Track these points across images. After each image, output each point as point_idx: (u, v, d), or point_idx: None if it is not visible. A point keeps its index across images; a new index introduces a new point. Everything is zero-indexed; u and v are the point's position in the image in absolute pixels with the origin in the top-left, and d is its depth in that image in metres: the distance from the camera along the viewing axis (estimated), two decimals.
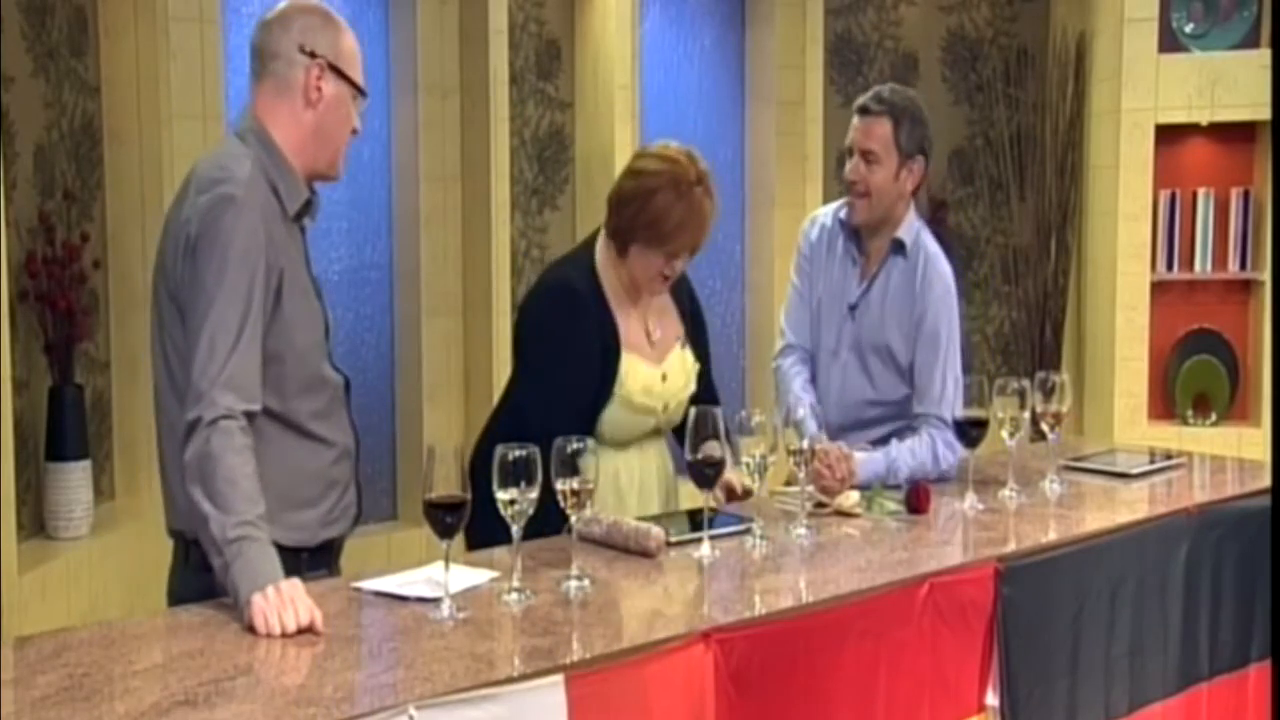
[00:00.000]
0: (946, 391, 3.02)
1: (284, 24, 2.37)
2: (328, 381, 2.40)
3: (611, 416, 2.77)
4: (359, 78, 2.41)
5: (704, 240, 2.79)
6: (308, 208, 2.39)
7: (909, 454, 2.98)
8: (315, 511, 2.34)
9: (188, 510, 2.18)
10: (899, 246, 3.14)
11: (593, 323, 2.75)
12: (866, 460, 2.91)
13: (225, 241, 2.18)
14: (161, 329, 2.30)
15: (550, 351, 2.76)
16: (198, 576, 2.24)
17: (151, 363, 2.35)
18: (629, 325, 2.81)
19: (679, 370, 2.89)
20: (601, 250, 2.83)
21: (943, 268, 3.14)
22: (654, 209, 2.70)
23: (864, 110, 3.19)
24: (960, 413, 2.86)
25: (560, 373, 2.72)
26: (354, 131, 2.43)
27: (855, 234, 3.21)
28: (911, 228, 3.17)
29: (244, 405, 2.15)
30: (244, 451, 2.12)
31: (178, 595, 2.31)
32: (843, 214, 3.24)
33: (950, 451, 2.98)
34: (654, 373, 2.82)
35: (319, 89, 2.35)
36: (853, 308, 3.18)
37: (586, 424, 2.68)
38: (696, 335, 2.98)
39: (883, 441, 3.05)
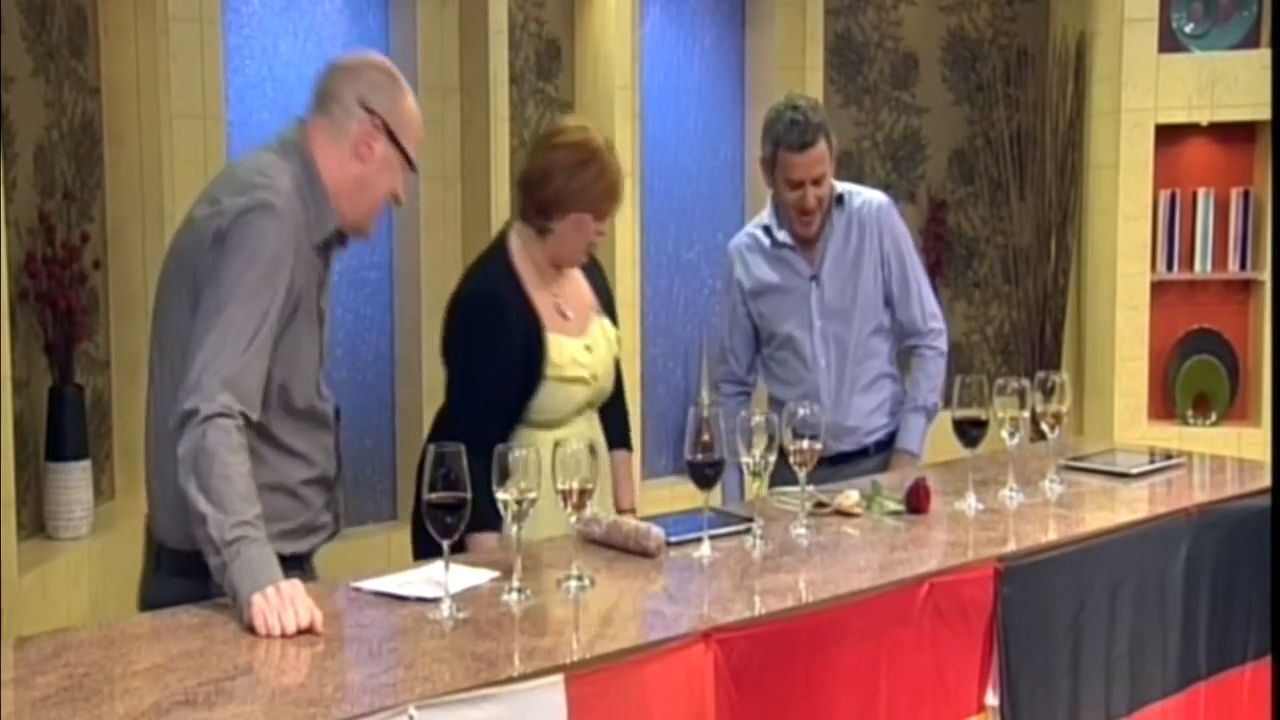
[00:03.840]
0: (925, 306, 3.46)
1: (352, 73, 2.40)
2: (314, 409, 2.38)
3: (544, 397, 2.86)
4: (412, 149, 2.42)
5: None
6: (337, 238, 2.40)
7: (925, 381, 3.42)
8: (272, 527, 2.24)
9: (170, 511, 2.18)
10: (839, 199, 3.41)
11: (515, 316, 2.85)
12: (909, 434, 3.39)
13: (256, 245, 2.18)
14: (168, 329, 2.28)
15: (477, 355, 2.86)
16: (170, 582, 2.25)
17: (152, 365, 2.34)
18: (546, 307, 2.91)
19: (601, 339, 3.01)
20: (516, 239, 2.94)
21: (875, 195, 3.47)
22: (588, 176, 2.86)
23: (803, 146, 3.30)
24: (961, 413, 2.87)
25: (490, 373, 2.83)
26: (396, 200, 2.44)
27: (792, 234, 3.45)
28: (836, 185, 3.43)
29: (241, 408, 2.14)
30: (240, 450, 2.11)
31: (149, 601, 2.30)
32: (781, 235, 3.45)
33: (942, 356, 3.46)
34: (578, 344, 2.92)
35: (369, 146, 2.36)
36: (814, 277, 3.42)
37: (517, 418, 2.83)
38: (608, 303, 3.12)
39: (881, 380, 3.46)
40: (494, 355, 2.83)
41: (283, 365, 2.26)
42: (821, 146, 3.29)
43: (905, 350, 3.52)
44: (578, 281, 3.05)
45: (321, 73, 2.42)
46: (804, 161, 3.28)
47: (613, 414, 3.09)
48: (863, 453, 3.43)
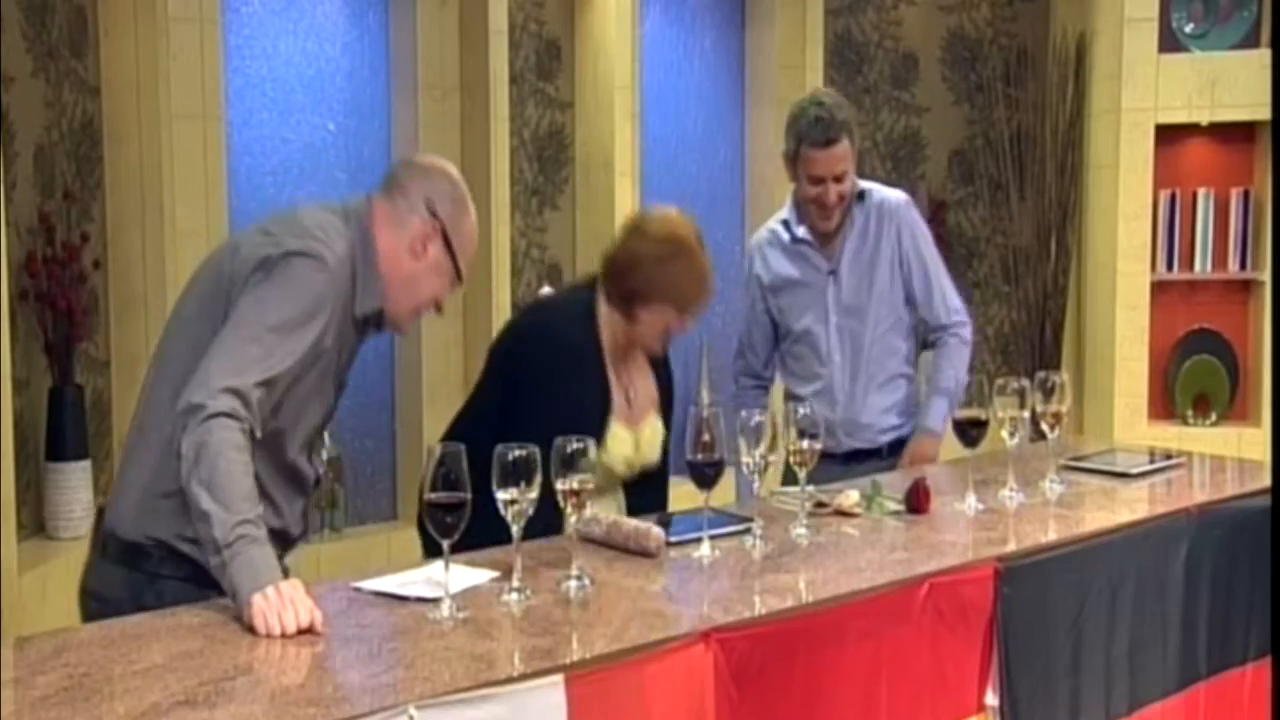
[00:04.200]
0: (948, 301, 3.46)
1: (426, 174, 2.46)
2: (299, 470, 2.38)
3: None
4: (464, 264, 2.46)
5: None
6: (376, 318, 2.41)
7: (948, 366, 3.41)
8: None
9: (132, 501, 2.21)
10: (859, 196, 3.41)
11: (592, 383, 2.79)
12: (931, 414, 3.38)
13: (299, 288, 2.21)
14: (184, 336, 2.28)
15: (549, 406, 2.65)
16: (116, 571, 2.26)
17: (159, 368, 2.33)
18: (617, 388, 2.86)
19: (650, 438, 2.94)
20: (602, 308, 2.85)
21: (894, 194, 3.47)
22: (675, 269, 2.79)
23: (827, 142, 3.30)
24: (961, 414, 2.87)
25: (556, 420, 2.45)
26: (438, 308, 2.48)
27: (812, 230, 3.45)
28: (858, 181, 3.43)
29: (244, 412, 2.13)
30: (245, 450, 2.11)
31: (94, 591, 2.30)
32: (800, 230, 3.45)
33: (965, 345, 3.45)
34: (630, 439, 2.86)
35: (425, 245, 2.40)
36: (832, 272, 3.42)
37: None
38: (667, 404, 3.03)
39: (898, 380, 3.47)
40: (567, 407, 2.65)
41: (287, 415, 2.27)
42: (844, 144, 3.29)
43: (929, 342, 3.54)
44: (646, 371, 2.96)
45: (396, 164, 2.52)
46: (826, 158, 3.29)
47: (654, 487, 3.00)
48: (876, 453, 3.44)
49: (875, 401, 3.44)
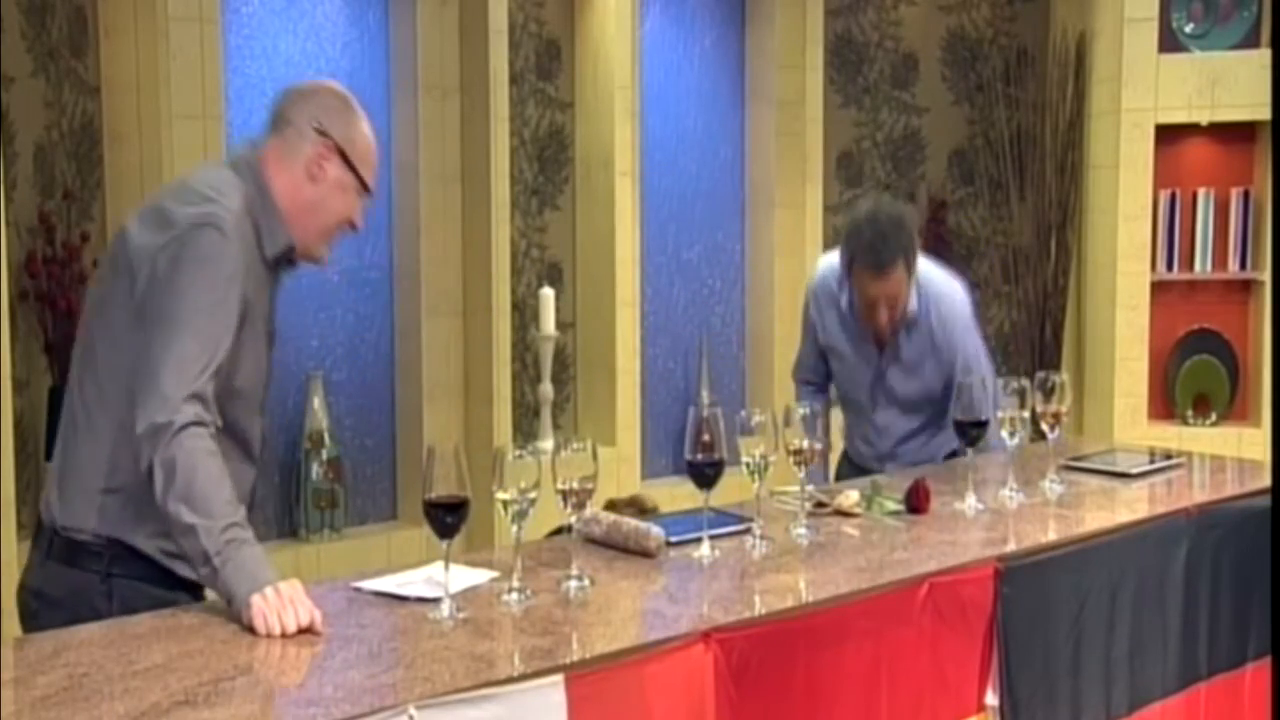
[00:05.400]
0: (988, 395, 3.10)
1: (306, 97, 2.40)
2: (244, 432, 2.34)
3: None
4: (367, 174, 2.40)
5: None
6: (287, 255, 2.38)
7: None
8: (167, 543, 2.20)
9: (73, 499, 2.20)
10: (910, 322, 3.31)
11: None
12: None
13: (213, 261, 2.17)
14: (105, 330, 2.25)
15: None
16: (62, 570, 2.24)
17: (82, 364, 2.30)
18: None
19: None
20: None
21: (948, 293, 3.36)
22: None
23: (878, 267, 3.18)
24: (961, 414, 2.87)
25: None
26: (352, 226, 2.42)
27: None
28: (913, 291, 3.29)
29: (209, 416, 2.13)
30: (217, 455, 2.10)
31: (37, 590, 2.28)
32: (843, 304, 3.39)
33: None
34: None
35: (322, 167, 2.34)
36: (880, 367, 3.39)
37: None
38: None
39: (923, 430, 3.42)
40: None
41: (223, 379, 2.21)
42: (900, 270, 3.18)
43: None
44: None
45: (276, 97, 2.42)
46: (878, 283, 3.20)
47: None
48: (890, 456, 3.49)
49: (908, 442, 3.47)
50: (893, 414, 3.44)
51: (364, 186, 2.39)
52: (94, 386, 2.26)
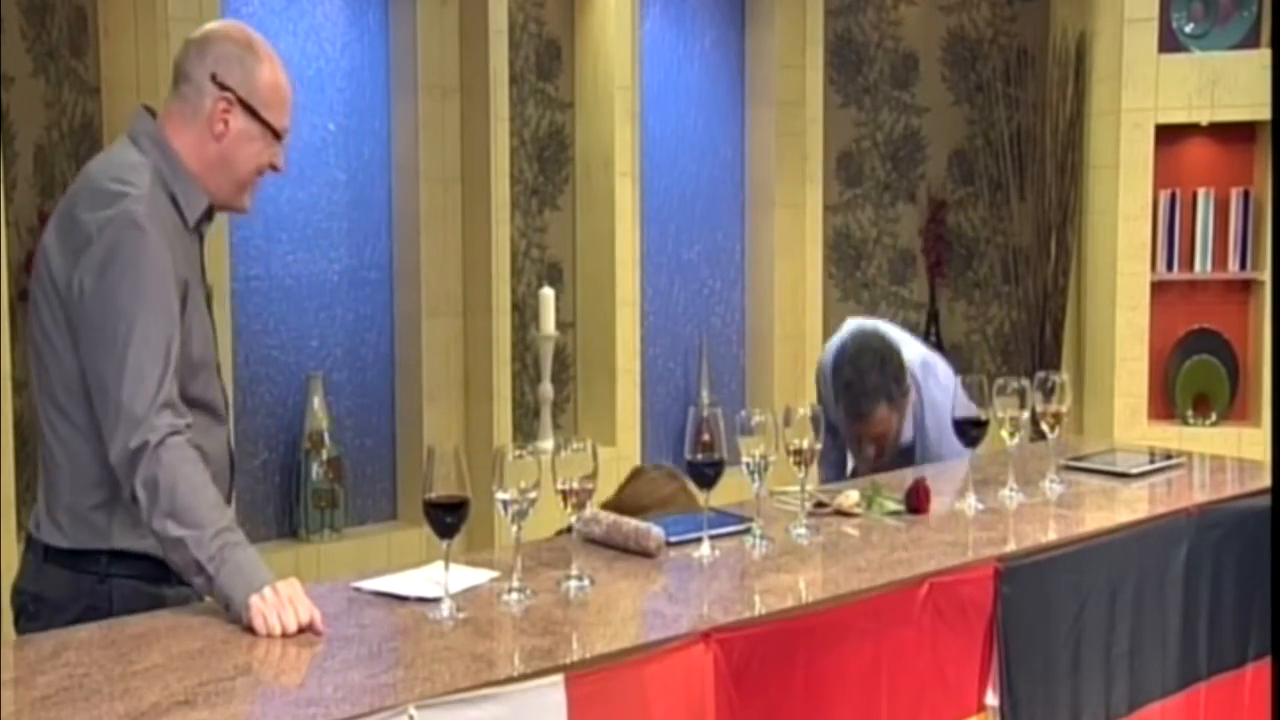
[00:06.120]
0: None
1: (201, 49, 2.27)
2: (209, 400, 2.30)
3: None
4: (276, 117, 2.28)
5: None
6: (208, 215, 2.32)
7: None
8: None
9: (56, 516, 2.20)
10: (905, 449, 3.30)
11: None
12: None
13: (138, 261, 2.10)
14: (53, 356, 2.21)
15: None
16: (60, 573, 2.23)
17: (37, 384, 2.27)
18: None
19: None
20: None
21: (944, 401, 3.14)
22: None
23: (859, 416, 3.18)
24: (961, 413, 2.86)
25: None
26: (274, 168, 2.33)
27: None
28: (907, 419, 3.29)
29: (182, 421, 2.11)
30: (196, 461, 2.08)
31: (35, 594, 2.26)
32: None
33: None
34: None
35: (225, 122, 2.25)
36: (878, 466, 3.31)
37: None
38: None
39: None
40: None
41: (180, 357, 2.17)
42: (881, 412, 3.17)
43: None
44: None
45: (177, 50, 2.31)
46: (861, 425, 3.21)
47: None
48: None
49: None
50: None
51: (273, 133, 2.30)
52: (56, 412, 2.22)
